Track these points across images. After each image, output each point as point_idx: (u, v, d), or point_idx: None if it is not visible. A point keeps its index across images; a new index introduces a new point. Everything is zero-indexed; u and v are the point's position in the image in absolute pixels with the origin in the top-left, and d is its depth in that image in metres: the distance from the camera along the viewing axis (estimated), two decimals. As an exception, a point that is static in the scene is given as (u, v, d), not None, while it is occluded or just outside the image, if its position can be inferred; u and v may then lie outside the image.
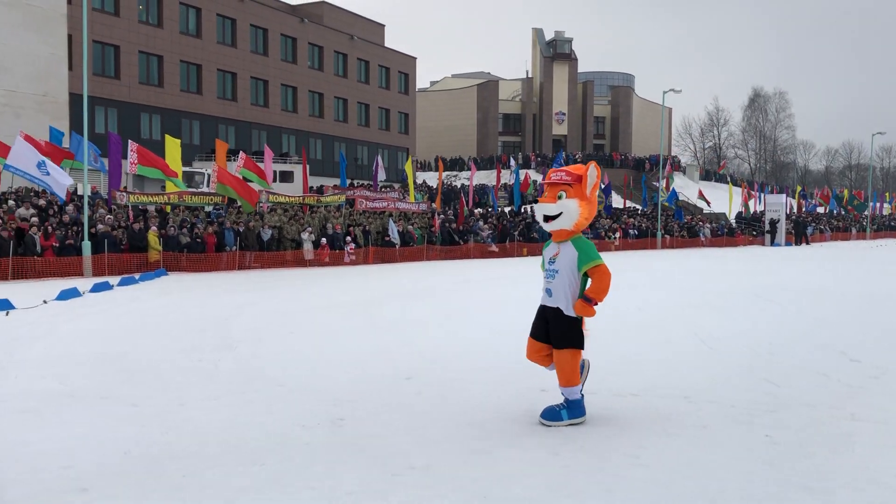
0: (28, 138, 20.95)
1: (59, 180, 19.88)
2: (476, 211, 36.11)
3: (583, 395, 5.49)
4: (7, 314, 11.51)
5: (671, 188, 49.13)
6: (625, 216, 44.06)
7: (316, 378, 7.01)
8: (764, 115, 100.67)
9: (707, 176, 78.02)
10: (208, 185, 30.93)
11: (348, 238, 25.78)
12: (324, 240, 24.98)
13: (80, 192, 23.77)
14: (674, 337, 9.54)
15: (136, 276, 18.72)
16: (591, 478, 4.37)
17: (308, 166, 33.01)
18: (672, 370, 7.44)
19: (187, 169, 31.85)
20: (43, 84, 31.47)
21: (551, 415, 5.36)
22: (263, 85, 49.00)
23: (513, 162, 48.39)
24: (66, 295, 13.79)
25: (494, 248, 30.70)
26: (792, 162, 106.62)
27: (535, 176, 53.28)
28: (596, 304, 5.18)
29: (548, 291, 5.37)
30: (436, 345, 8.87)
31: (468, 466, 4.55)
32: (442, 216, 32.06)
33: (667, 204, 46.45)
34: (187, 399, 6.16)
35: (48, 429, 5.30)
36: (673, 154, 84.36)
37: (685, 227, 44.02)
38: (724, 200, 55.23)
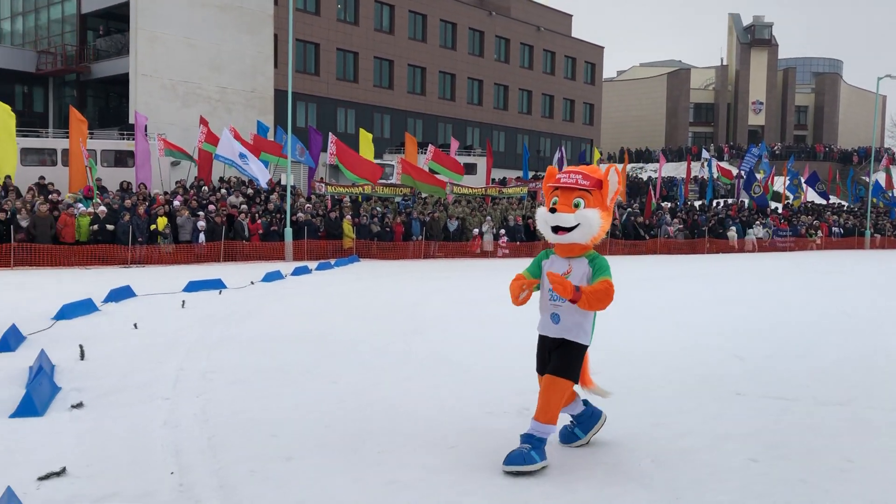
0: (234, 132, 22.79)
1: (259, 171, 21.54)
2: (664, 205, 34.93)
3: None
4: (220, 293, 12.58)
5: (876, 182, 44.87)
6: (828, 213, 40.91)
7: (502, 366, 7.10)
8: None
9: (927, 170, 70.55)
10: (394, 178, 32.12)
11: (501, 231, 25.68)
12: (476, 231, 25.12)
13: (283, 183, 25.47)
14: (889, 346, 8.75)
15: (332, 261, 19.83)
16: (793, 489, 4.12)
17: (491, 158, 33.37)
18: (886, 381, 6.83)
19: (378, 161, 33.23)
20: (251, 81, 34.00)
21: (521, 459, 4.27)
22: (451, 79, 50.06)
23: (706, 153, 46.24)
24: (270, 277, 14.88)
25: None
26: None
27: (729, 168, 50.67)
28: (576, 300, 4.16)
29: (553, 318, 4.45)
30: (623, 340, 8.69)
31: (659, 466, 4.43)
32: (628, 209, 31.31)
33: (875, 199, 42.56)
34: (382, 379, 6.45)
35: (258, 399, 5.75)
36: (886, 146, 77.09)
37: (900, 226, 40.18)
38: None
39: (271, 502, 3.80)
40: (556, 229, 4.33)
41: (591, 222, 4.27)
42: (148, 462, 4.35)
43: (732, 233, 32.08)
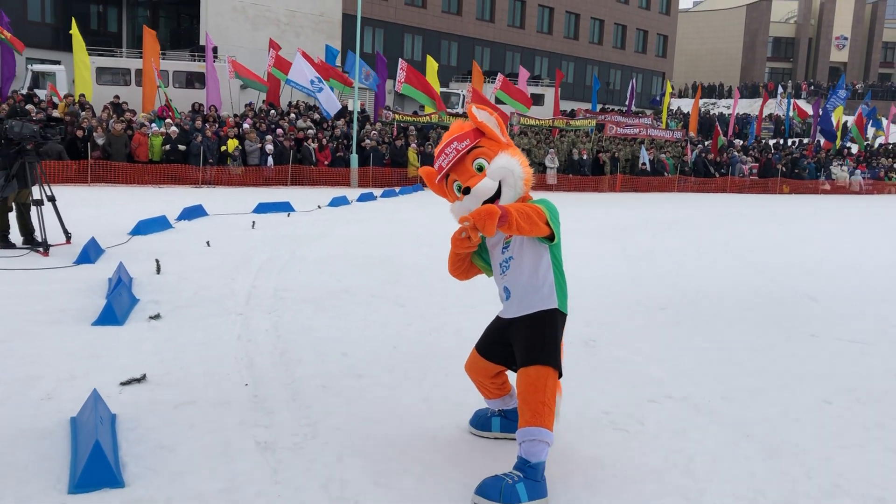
0: (305, 55, 22.69)
1: (329, 100, 21.48)
2: (736, 142, 33.85)
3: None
4: (289, 216, 12.76)
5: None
6: (911, 156, 39.04)
7: (570, 298, 7.04)
8: None
9: None
10: (463, 106, 31.74)
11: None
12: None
13: (350, 109, 25.45)
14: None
15: (396, 189, 19.88)
16: (869, 432, 4.02)
17: (559, 89, 32.66)
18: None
19: (444, 90, 32.82)
20: (319, 4, 33.74)
21: (497, 493, 3.06)
22: (521, 6, 48.74)
23: (781, 90, 44.34)
24: (337, 202, 15.03)
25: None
26: None
27: (804, 107, 48.64)
28: (505, 217, 2.94)
29: (505, 292, 3.42)
30: (690, 277, 8.55)
31: (728, 403, 4.37)
32: (699, 146, 30.45)
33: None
34: (448, 304, 6.50)
35: (328, 319, 5.85)
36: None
37: None
38: None
39: (342, 417, 3.88)
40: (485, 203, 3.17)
41: (511, 167, 3.24)
42: (223, 373, 4.48)
43: (844, 173, 31.74)
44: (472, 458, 3.50)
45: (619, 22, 54.61)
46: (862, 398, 4.56)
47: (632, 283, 8.09)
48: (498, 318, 3.57)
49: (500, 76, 27.60)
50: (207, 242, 9.16)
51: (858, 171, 32.14)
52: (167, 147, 18.48)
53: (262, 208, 12.91)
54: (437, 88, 26.75)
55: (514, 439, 3.57)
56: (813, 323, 6.48)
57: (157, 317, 5.63)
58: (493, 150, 3.28)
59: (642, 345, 5.55)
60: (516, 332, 3.35)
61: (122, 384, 4.19)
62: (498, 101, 27.42)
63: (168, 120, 19.90)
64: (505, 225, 2.96)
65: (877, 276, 9.33)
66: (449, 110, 28.58)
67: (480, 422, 3.81)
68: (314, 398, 4.14)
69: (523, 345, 3.29)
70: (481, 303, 6.52)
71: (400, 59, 24.34)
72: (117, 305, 5.58)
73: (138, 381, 4.26)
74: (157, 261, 7.53)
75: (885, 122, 39.58)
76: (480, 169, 3.25)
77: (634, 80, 38.61)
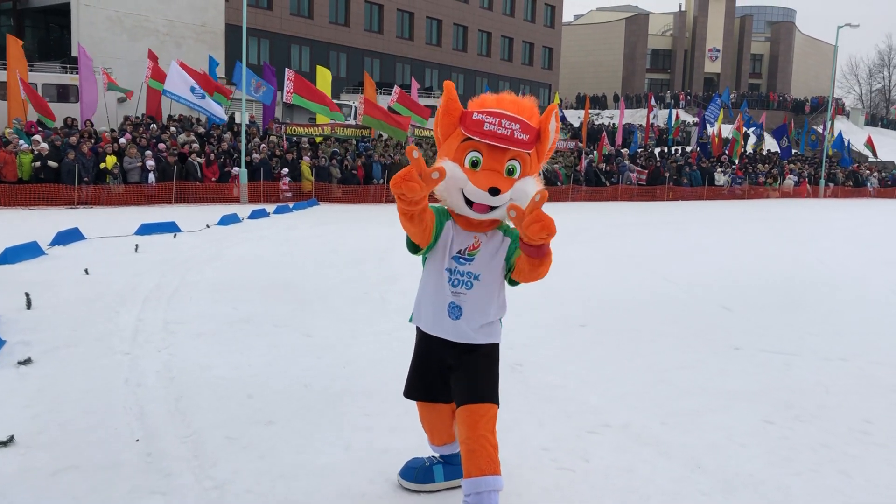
0: (183, 65, 21.59)
1: (214, 107, 20.52)
2: (624, 151, 34.74)
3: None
4: (175, 237, 11.92)
5: (837, 133, 45.36)
6: (785, 162, 41.17)
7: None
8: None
9: (873, 121, 71.68)
10: (355, 118, 31.15)
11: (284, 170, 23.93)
12: None
13: (237, 121, 24.46)
14: (870, 295, 8.62)
15: (290, 204, 19.13)
16: (818, 454, 3.84)
17: (452, 101, 32.56)
18: (882, 334, 6.64)
19: (336, 102, 32.14)
20: (201, 15, 32.44)
21: None
22: (409, 17, 48.69)
23: (654, 102, 45.78)
24: (227, 220, 14.20)
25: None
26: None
27: (684, 116, 50.67)
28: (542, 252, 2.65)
29: (453, 311, 2.90)
30: (604, 290, 8.39)
31: (670, 428, 4.12)
32: (590, 156, 31.02)
33: (832, 150, 42.97)
34: (359, 332, 6.01)
35: (228, 355, 5.26)
36: (836, 96, 77.92)
37: (851, 176, 40.66)
38: (893, 148, 50.79)
39: (252, 476, 3.37)
40: (472, 203, 2.75)
41: (527, 198, 2.64)
42: (109, 427, 3.87)
43: (789, 181, 35.35)
44: (408, 518, 3.06)
45: (506, 35, 55.47)
46: (801, 415, 4.41)
47: (545, 298, 7.81)
48: (429, 340, 3.02)
49: (396, 88, 27.24)
50: (86, 270, 8.31)
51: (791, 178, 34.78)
52: (37, 164, 17.10)
53: (146, 229, 12.00)
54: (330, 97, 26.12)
55: (459, 487, 3.16)
56: (733, 334, 6.37)
57: (27, 361, 4.90)
58: (532, 166, 2.83)
59: (570, 367, 5.26)
60: (464, 362, 2.94)
61: (-16, 450, 3.53)
62: (395, 112, 27.05)
63: (37, 136, 18.45)
64: (545, 255, 2.68)
65: (779, 283, 9.47)
66: (340, 123, 27.98)
67: (420, 474, 3.32)
68: (219, 453, 3.59)
69: (474, 379, 2.91)
70: (395, 328, 6.10)
71: (287, 69, 23.56)
72: (-22, 351, 4.82)
73: (4, 444, 3.60)
74: (27, 294, 6.69)
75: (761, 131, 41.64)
76: (510, 172, 2.75)
77: (523, 92, 39.07)
